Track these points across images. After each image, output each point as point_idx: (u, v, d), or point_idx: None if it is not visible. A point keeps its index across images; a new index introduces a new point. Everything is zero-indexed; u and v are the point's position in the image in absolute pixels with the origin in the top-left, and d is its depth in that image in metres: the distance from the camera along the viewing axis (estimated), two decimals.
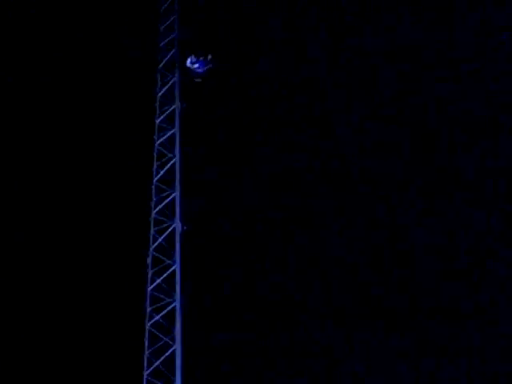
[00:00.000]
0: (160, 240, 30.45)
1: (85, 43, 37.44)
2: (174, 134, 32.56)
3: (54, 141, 34.75)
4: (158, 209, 31.31)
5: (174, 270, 28.89)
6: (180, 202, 30.67)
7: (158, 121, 33.38)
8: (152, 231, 31.00)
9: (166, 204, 31.19)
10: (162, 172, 32.00)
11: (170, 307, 28.34)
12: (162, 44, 35.65)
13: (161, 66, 35.01)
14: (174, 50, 35.15)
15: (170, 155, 32.22)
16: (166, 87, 33.98)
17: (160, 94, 34.11)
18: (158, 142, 32.83)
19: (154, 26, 36.38)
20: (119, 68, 36.27)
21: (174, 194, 31.13)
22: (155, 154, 32.62)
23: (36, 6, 39.07)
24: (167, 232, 30.41)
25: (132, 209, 32.44)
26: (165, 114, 33.33)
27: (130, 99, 35.20)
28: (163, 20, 36.39)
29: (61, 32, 38.01)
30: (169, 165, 31.97)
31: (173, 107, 33.33)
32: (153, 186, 31.91)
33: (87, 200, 32.84)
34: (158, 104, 33.87)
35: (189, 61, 35.33)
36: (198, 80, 35.58)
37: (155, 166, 32.32)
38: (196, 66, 35.19)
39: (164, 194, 31.50)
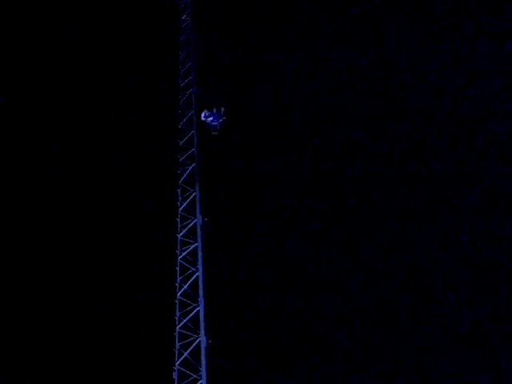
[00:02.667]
0: (186, 354, 30.81)
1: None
2: (196, 248, 33.06)
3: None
4: (182, 324, 31.69)
5: None
6: (204, 317, 31.13)
7: (180, 235, 33.83)
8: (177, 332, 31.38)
9: (190, 318, 31.63)
10: (185, 286, 32.40)
11: None
12: (181, 159, 36.30)
13: (181, 180, 35.57)
14: (193, 164, 35.82)
15: (193, 269, 32.68)
16: (187, 202, 34.50)
17: (181, 208, 34.60)
18: (181, 256, 33.25)
19: (173, 141, 37.25)
20: (141, 184, 37.36)
21: (197, 308, 31.59)
22: (178, 269, 33.02)
23: None
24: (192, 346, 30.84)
25: (158, 319, 32.89)
26: (186, 228, 33.81)
27: (152, 213, 36.01)
28: (181, 135, 37.27)
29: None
30: (192, 279, 32.45)
31: (194, 221, 33.86)
32: (176, 301, 32.26)
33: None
34: (179, 218, 34.33)
35: (203, 115, 36.64)
36: (215, 133, 36.80)
37: (178, 280, 32.73)
38: (210, 119, 36.42)
39: (188, 308, 31.94)
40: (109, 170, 38.02)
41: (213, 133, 36.85)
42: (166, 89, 40.17)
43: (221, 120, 36.80)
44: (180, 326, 31.39)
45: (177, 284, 32.49)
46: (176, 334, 31.26)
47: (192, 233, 33.51)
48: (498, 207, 36.56)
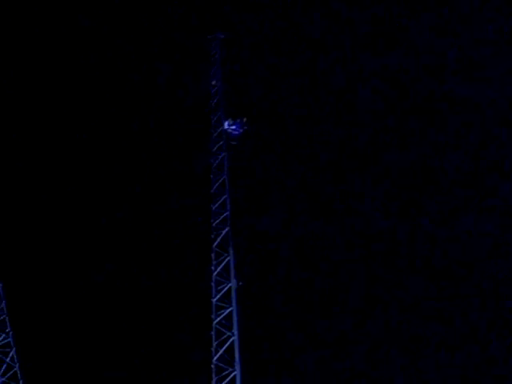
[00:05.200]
0: None
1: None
2: (231, 312, 33.06)
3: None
4: None
5: None
6: (241, 381, 31.04)
7: (214, 300, 33.87)
8: None
9: (226, 383, 31.57)
10: (221, 351, 32.36)
11: None
12: (215, 224, 36.47)
13: (215, 244, 35.74)
14: (227, 229, 36.00)
15: (228, 333, 32.65)
16: (221, 266, 34.61)
17: (215, 272, 34.69)
18: (216, 321, 33.26)
19: (207, 206, 37.51)
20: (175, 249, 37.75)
21: (234, 373, 31.51)
22: (214, 333, 33.00)
23: None
24: None
25: None
26: (221, 293, 33.86)
27: (186, 278, 36.28)
28: (214, 200, 37.50)
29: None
30: (228, 343, 32.43)
31: (229, 285, 33.92)
32: (212, 366, 32.22)
33: None
34: (213, 283, 34.40)
35: (226, 123, 37.18)
36: (234, 143, 37.15)
37: (214, 345, 32.70)
38: (233, 127, 36.94)
39: (224, 373, 31.86)
40: (143, 236, 38.48)
41: (232, 142, 37.41)
42: (198, 153, 40.69)
43: (242, 130, 37.46)
44: None
45: (212, 349, 32.45)
46: None
47: (227, 297, 33.55)
48: None
